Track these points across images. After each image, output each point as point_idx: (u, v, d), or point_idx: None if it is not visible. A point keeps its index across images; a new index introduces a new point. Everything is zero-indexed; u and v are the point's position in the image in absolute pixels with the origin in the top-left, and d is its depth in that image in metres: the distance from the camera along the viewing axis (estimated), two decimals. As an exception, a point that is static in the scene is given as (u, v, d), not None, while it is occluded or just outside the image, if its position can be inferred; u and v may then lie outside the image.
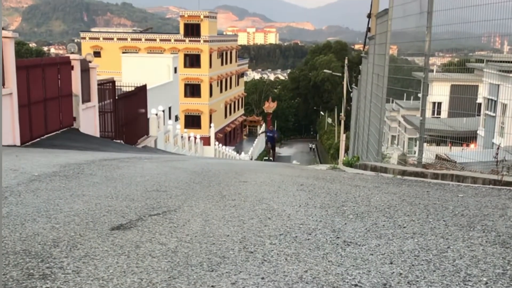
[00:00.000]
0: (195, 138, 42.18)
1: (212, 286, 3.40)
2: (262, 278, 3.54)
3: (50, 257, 3.79)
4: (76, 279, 3.43)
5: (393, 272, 3.69)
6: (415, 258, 3.99)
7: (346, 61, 50.95)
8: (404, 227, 4.88)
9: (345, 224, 5.02)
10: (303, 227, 4.89)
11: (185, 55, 75.94)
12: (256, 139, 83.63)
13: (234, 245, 4.29)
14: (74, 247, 4.05)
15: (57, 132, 19.69)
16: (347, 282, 3.51)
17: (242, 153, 63.31)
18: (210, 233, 4.63)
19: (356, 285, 3.46)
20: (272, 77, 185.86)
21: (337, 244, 4.34)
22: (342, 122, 50.47)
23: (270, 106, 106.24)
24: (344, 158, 25.24)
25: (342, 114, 51.40)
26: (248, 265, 3.80)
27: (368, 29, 21.16)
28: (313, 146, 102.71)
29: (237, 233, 4.65)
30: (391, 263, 3.89)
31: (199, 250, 4.12)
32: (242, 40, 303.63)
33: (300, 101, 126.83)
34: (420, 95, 10.83)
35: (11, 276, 3.42)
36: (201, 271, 3.66)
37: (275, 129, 38.71)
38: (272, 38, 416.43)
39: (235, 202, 6.05)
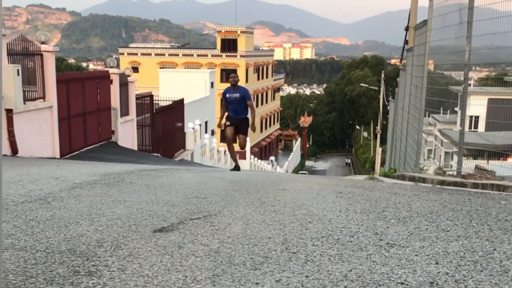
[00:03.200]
0: (231, 152, 42.17)
1: (256, 283, 3.40)
2: (306, 277, 3.54)
3: (94, 256, 3.83)
4: (122, 276, 3.46)
5: (439, 272, 3.65)
6: (461, 259, 3.95)
7: (383, 75, 50.71)
8: (448, 231, 4.83)
9: (387, 227, 4.98)
10: (344, 230, 4.87)
11: (222, 70, 76.32)
12: (292, 153, 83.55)
13: (276, 246, 4.28)
14: (118, 247, 4.09)
15: (96, 145, 19.91)
16: (393, 280, 3.48)
17: (277, 166, 63.26)
18: (251, 235, 4.63)
19: (402, 283, 3.43)
20: (308, 91, 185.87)
21: (381, 246, 4.31)
22: (378, 135, 50.24)
23: (305, 121, 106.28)
24: (381, 170, 25.08)
25: (378, 127, 51.13)
26: (292, 265, 3.80)
27: (406, 42, 21.10)
28: (349, 161, 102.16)
29: (278, 235, 4.65)
30: (437, 263, 3.85)
31: (241, 251, 4.12)
32: (278, 55, 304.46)
33: (336, 115, 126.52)
34: (457, 108, 10.76)
35: (57, 272, 3.46)
36: (245, 270, 3.66)
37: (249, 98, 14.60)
38: (308, 53, 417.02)
39: (275, 207, 6.04)
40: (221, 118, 15.23)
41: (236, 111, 14.74)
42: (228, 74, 75.90)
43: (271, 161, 52.15)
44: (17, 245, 3.93)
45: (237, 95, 14.65)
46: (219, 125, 15.34)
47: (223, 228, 4.87)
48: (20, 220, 4.70)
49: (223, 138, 14.34)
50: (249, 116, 14.59)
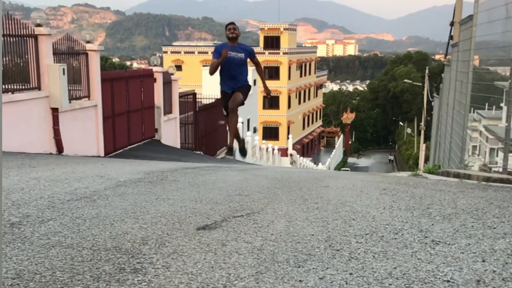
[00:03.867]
0: (273, 149, 42.28)
1: (300, 280, 3.40)
2: (350, 274, 3.53)
3: (140, 254, 3.87)
4: (166, 273, 3.49)
5: (486, 270, 3.61)
6: (508, 257, 3.89)
7: (427, 71, 50.18)
8: (494, 228, 4.77)
9: (432, 225, 4.94)
10: (389, 227, 4.84)
11: (264, 67, 76.22)
12: (334, 150, 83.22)
13: (319, 243, 4.28)
14: (162, 244, 4.12)
15: (139, 143, 20.10)
16: (439, 278, 3.45)
17: (320, 163, 63.07)
18: (294, 232, 4.63)
19: (448, 281, 3.40)
20: (350, 88, 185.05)
21: (426, 243, 4.27)
22: (422, 132, 49.75)
23: (348, 117, 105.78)
24: (425, 167, 24.84)
25: (422, 124, 50.64)
26: (335, 262, 3.79)
27: (451, 37, 20.84)
28: (392, 157, 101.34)
29: (321, 232, 4.64)
30: (483, 261, 3.80)
31: (284, 248, 4.13)
32: (321, 52, 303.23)
33: (379, 111, 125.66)
34: (502, 104, 10.60)
35: (103, 270, 3.50)
36: (288, 267, 3.67)
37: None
38: (351, 50, 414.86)
39: (318, 205, 6.03)
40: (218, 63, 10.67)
41: (236, 78, 10.87)
42: (270, 71, 76.29)
43: (291, 155, 51.66)
44: (64, 243, 3.99)
45: (241, 55, 10.62)
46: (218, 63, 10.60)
47: (266, 226, 4.88)
48: (66, 218, 4.77)
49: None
50: (249, 79, 11.52)
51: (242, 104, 10.94)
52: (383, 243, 4.28)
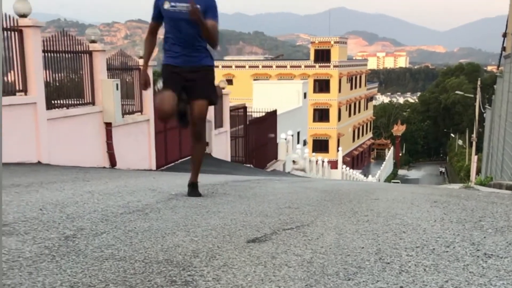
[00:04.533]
0: (323, 161, 42.20)
1: (350, 293, 3.41)
2: (401, 287, 3.51)
3: (190, 266, 3.91)
4: (217, 285, 3.53)
5: (539, 283, 3.56)
6: (562, 270, 3.83)
7: (479, 82, 49.51)
8: (548, 241, 4.70)
9: (484, 237, 4.88)
10: (440, 240, 4.80)
11: (315, 81, 76.52)
12: (384, 162, 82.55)
13: (369, 256, 4.27)
14: (213, 257, 4.16)
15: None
16: (490, 292, 3.42)
17: (370, 175, 62.64)
18: (344, 245, 4.63)
19: (499, 294, 3.37)
20: (401, 100, 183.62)
21: (478, 256, 4.23)
22: (474, 143, 49.05)
23: (399, 129, 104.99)
24: (477, 179, 24.50)
25: (474, 135, 49.93)
26: (386, 275, 3.78)
27: (503, 48, 20.57)
28: (443, 169, 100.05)
29: (372, 245, 4.63)
30: (537, 274, 3.75)
31: (334, 261, 4.13)
32: (372, 64, 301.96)
33: (430, 123, 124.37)
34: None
35: (155, 282, 3.56)
36: (338, 280, 3.67)
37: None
38: (402, 62, 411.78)
39: (368, 217, 6.01)
40: (146, 63, 7.68)
41: (186, 43, 7.04)
42: (321, 84, 76.32)
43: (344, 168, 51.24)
44: (117, 255, 4.06)
45: (197, 6, 6.58)
46: (143, 83, 7.34)
47: (316, 238, 4.89)
48: (119, 231, 4.85)
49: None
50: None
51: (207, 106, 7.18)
52: (434, 256, 4.25)
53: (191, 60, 6.93)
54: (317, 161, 40.55)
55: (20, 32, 12.24)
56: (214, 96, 7.16)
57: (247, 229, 5.23)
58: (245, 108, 26.92)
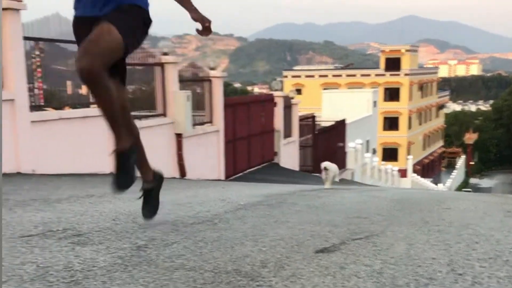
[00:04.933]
0: (392, 170, 41.75)
1: (420, 305, 3.37)
2: (472, 299, 3.46)
3: (259, 276, 3.93)
4: (285, 296, 3.54)
5: None
6: None
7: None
8: None
9: (561, 248, 4.76)
10: (513, 251, 4.71)
11: (385, 89, 75.81)
12: (455, 171, 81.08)
13: (441, 267, 4.21)
14: (281, 267, 4.17)
15: (259, 166, 20.38)
16: None
17: (440, 184, 61.60)
18: (415, 255, 4.57)
19: None
20: (473, 108, 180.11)
21: (553, 268, 4.13)
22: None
23: (470, 137, 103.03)
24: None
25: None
26: (458, 287, 3.71)
27: None
28: None
29: (443, 256, 4.56)
30: None
31: (405, 272, 4.09)
32: (443, 72, 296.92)
33: (503, 131, 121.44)
34: None
35: (224, 292, 3.60)
36: (408, 291, 3.64)
37: None
38: (474, 70, 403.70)
39: (439, 227, 5.92)
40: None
41: None
42: (391, 93, 75.63)
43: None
44: (186, 266, 4.11)
45: None
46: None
47: (385, 249, 4.85)
48: (189, 241, 4.91)
49: None
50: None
51: (121, 54, 4.56)
52: (508, 268, 4.16)
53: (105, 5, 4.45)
54: (386, 170, 40.16)
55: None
56: (129, 26, 4.42)
57: (316, 239, 5.22)
58: (313, 117, 26.93)
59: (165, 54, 15.10)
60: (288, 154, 22.82)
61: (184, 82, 15.86)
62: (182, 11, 5.05)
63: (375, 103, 44.91)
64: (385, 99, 74.66)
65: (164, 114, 14.91)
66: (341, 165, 30.84)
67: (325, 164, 11.81)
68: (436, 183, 60.80)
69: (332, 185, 11.82)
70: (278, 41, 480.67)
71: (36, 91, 11.31)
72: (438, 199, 9.40)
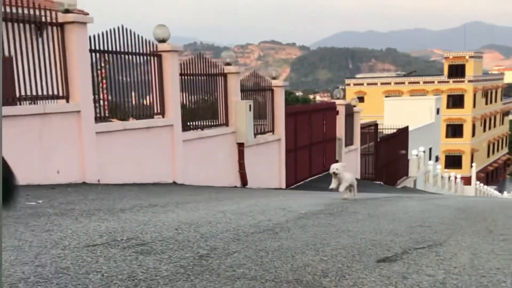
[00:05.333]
0: (455, 177, 41.09)
1: (484, 316, 3.32)
2: (538, 310, 3.40)
3: (320, 286, 3.94)
4: (346, 305, 3.54)
5: None
6: None
7: None
8: None
9: None
10: None
11: (448, 96, 74.71)
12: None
13: (506, 277, 4.13)
14: (342, 277, 4.17)
15: (320, 175, 20.31)
16: None
17: (505, 192, 60.24)
18: (479, 265, 4.50)
19: None
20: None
21: None
22: None
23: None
24: None
25: None
26: (522, 297, 3.66)
27: None
28: None
29: (508, 266, 4.48)
30: None
31: (468, 282, 4.03)
32: (508, 78, 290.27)
33: None
34: None
35: (285, 301, 3.62)
36: (471, 302, 3.59)
37: None
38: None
39: (504, 236, 5.82)
40: None
41: None
42: (454, 100, 74.44)
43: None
44: (248, 275, 4.14)
45: None
46: None
47: (448, 258, 4.79)
48: (250, 251, 4.95)
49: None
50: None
51: None
52: None
53: None
54: (449, 177, 39.57)
55: (159, 57, 12.74)
56: None
57: (377, 248, 5.19)
58: (376, 125, 26.75)
59: (228, 64, 15.24)
60: (350, 162, 22.66)
61: (246, 91, 15.96)
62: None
63: (438, 110, 44.37)
64: (448, 106, 73.61)
65: (226, 124, 15.03)
66: (404, 172, 30.54)
67: (335, 167, 9.79)
68: (500, 191, 59.52)
69: (349, 195, 10.08)
70: (340, 49, 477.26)
71: (101, 102, 11.53)
72: (502, 207, 9.23)
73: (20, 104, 9.74)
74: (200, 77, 14.38)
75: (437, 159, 42.30)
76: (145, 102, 13.15)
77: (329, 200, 9.67)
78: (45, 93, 10.12)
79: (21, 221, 5.81)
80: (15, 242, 4.77)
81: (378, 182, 24.99)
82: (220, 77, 15.03)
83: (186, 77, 13.85)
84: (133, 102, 12.85)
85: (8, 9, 9.31)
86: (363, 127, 25.01)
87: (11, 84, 9.61)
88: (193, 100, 14.49)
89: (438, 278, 4.15)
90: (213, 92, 14.96)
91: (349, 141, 22.78)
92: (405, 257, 4.82)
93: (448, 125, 73.67)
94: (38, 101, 10.02)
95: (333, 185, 9.73)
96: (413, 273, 4.30)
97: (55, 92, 10.35)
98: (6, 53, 9.25)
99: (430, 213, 8.02)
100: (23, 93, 9.73)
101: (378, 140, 26.78)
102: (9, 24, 9.37)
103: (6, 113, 9.03)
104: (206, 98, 14.93)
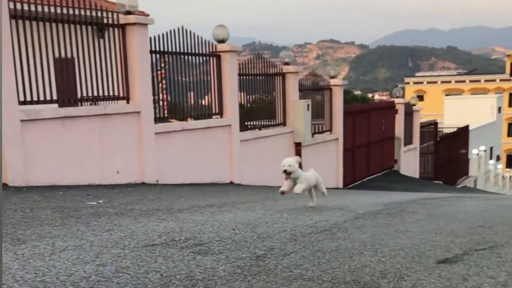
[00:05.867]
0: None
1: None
2: None
3: (378, 287, 3.90)
4: (404, 307, 3.49)
5: None
6: None
7: None
8: None
9: None
10: None
11: (510, 94, 73.28)
12: None
13: None
14: (401, 278, 4.12)
15: (378, 174, 20.17)
16: None
17: None
18: (543, 268, 4.40)
19: None
20: None
21: None
22: None
23: None
24: None
25: None
26: None
27: None
28: None
29: None
30: None
31: (531, 285, 3.95)
32: None
33: None
34: None
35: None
36: (534, 305, 3.51)
37: None
38: None
39: None
40: None
41: None
42: (517, 98, 72.86)
43: None
44: (305, 276, 4.13)
45: None
46: None
47: (510, 260, 4.68)
48: (307, 251, 4.93)
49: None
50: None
51: None
52: None
53: None
54: (510, 177, 38.82)
55: (218, 57, 12.82)
56: None
57: (437, 249, 5.12)
58: (435, 124, 26.45)
59: (286, 63, 15.26)
60: (409, 161, 22.47)
61: (304, 91, 15.95)
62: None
63: (499, 108, 43.63)
64: (510, 105, 72.20)
65: (283, 123, 15.04)
66: (464, 172, 30.08)
67: (287, 162, 8.19)
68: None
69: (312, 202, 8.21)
70: (400, 47, 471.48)
71: (160, 103, 11.66)
72: None
73: (82, 105, 9.92)
74: (258, 77, 14.43)
75: (498, 158, 41.55)
76: (203, 102, 13.25)
77: (388, 200, 9.58)
78: (105, 94, 10.28)
79: (83, 220, 5.92)
80: (76, 242, 4.86)
81: (438, 182, 24.68)
82: (278, 77, 15.05)
83: (244, 77, 13.92)
84: (191, 103, 12.96)
85: (70, 11, 9.48)
86: (422, 126, 24.76)
87: (73, 85, 9.82)
88: (250, 100, 14.54)
89: (499, 280, 4.07)
90: (271, 92, 14.99)
91: (408, 140, 22.56)
92: (465, 259, 4.74)
93: (510, 124, 72.23)
94: (99, 102, 10.18)
95: (284, 187, 7.73)
96: (474, 275, 4.22)
97: (116, 93, 10.51)
98: (69, 55, 9.43)
99: (491, 214, 7.86)
100: (84, 94, 9.91)
101: (438, 139, 26.48)
102: (72, 26, 9.55)
103: (69, 114, 9.22)
104: (263, 97, 14.97)
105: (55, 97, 9.39)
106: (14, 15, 8.59)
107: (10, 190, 7.85)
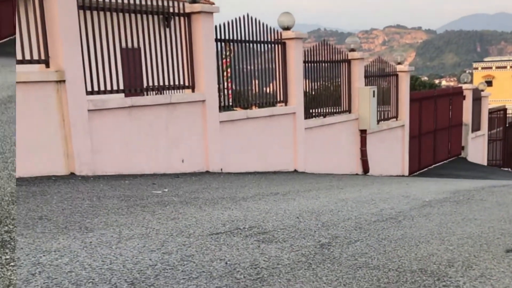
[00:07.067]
0: None
1: None
2: None
3: (445, 276, 3.85)
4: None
5: None
6: None
7: None
8: None
9: None
10: None
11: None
12: None
13: None
14: (469, 267, 4.05)
15: (445, 161, 19.88)
16: None
17: None
18: None
19: None
20: None
21: None
22: None
23: None
24: None
25: None
26: None
27: None
28: None
29: None
30: None
31: None
32: None
33: None
34: None
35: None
36: None
37: None
38: None
39: None
40: None
41: None
42: None
43: None
44: (370, 264, 4.11)
45: None
46: None
47: None
48: (373, 239, 4.90)
49: None
50: None
51: None
52: None
53: None
54: None
55: (283, 45, 12.79)
56: None
57: (506, 238, 5.02)
58: (505, 110, 25.85)
59: (352, 50, 15.13)
60: (476, 148, 22.06)
61: (370, 77, 15.80)
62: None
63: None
64: None
65: (348, 110, 14.94)
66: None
67: None
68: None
69: None
70: (468, 32, 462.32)
71: (225, 91, 11.70)
72: None
73: (148, 95, 10.04)
74: (323, 64, 14.34)
75: None
76: (267, 90, 13.25)
77: (455, 188, 9.43)
78: (171, 83, 10.37)
79: (148, 209, 6.00)
80: (143, 230, 4.94)
81: (507, 169, 24.16)
82: (344, 64, 14.93)
83: (309, 64, 13.85)
84: (256, 90, 12.98)
85: (138, 1, 9.59)
86: (491, 112, 24.24)
87: (139, 75, 9.95)
88: (315, 87, 14.47)
89: None
90: (336, 79, 14.89)
91: (476, 127, 22.14)
92: (536, 248, 4.64)
93: None
94: (165, 91, 10.28)
95: None
96: (545, 264, 4.13)
97: (181, 82, 10.59)
98: (135, 45, 9.55)
99: None
100: (150, 83, 10.02)
101: (507, 125, 25.90)
102: (138, 16, 9.66)
103: (135, 104, 9.35)
104: (328, 84, 14.88)
105: (121, 87, 9.52)
106: (82, 6, 8.73)
107: (77, 179, 8.01)
